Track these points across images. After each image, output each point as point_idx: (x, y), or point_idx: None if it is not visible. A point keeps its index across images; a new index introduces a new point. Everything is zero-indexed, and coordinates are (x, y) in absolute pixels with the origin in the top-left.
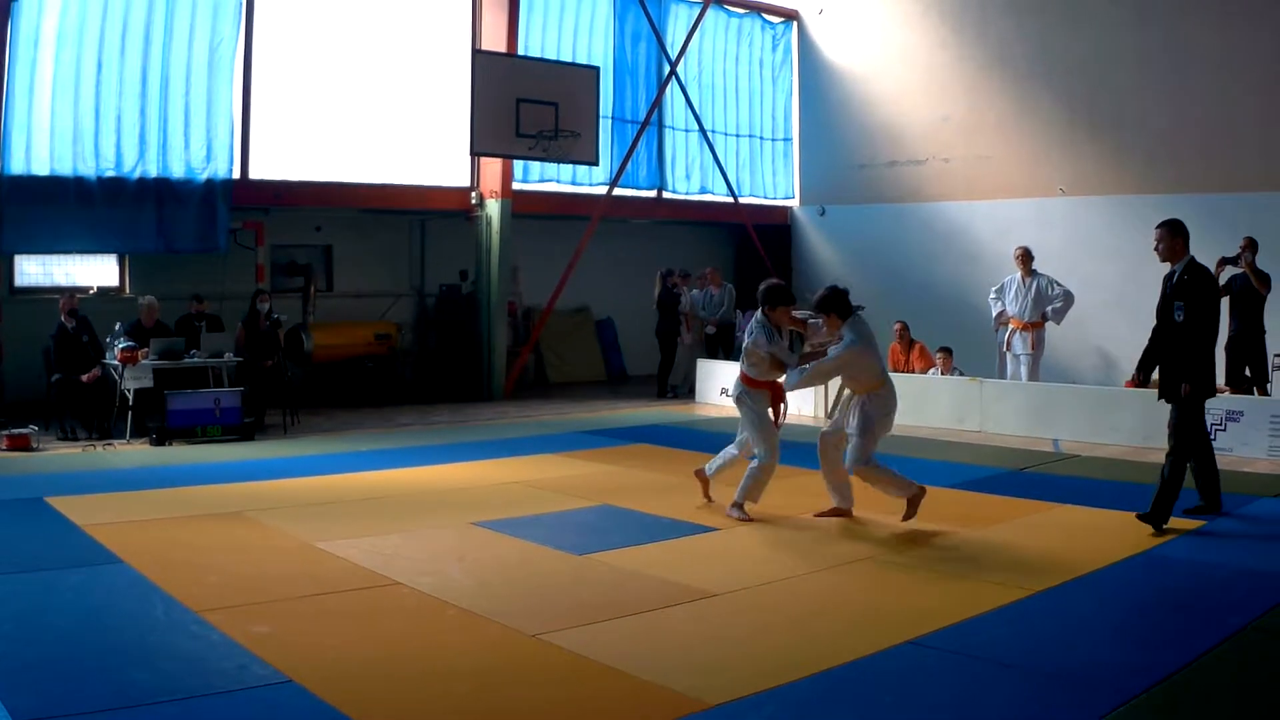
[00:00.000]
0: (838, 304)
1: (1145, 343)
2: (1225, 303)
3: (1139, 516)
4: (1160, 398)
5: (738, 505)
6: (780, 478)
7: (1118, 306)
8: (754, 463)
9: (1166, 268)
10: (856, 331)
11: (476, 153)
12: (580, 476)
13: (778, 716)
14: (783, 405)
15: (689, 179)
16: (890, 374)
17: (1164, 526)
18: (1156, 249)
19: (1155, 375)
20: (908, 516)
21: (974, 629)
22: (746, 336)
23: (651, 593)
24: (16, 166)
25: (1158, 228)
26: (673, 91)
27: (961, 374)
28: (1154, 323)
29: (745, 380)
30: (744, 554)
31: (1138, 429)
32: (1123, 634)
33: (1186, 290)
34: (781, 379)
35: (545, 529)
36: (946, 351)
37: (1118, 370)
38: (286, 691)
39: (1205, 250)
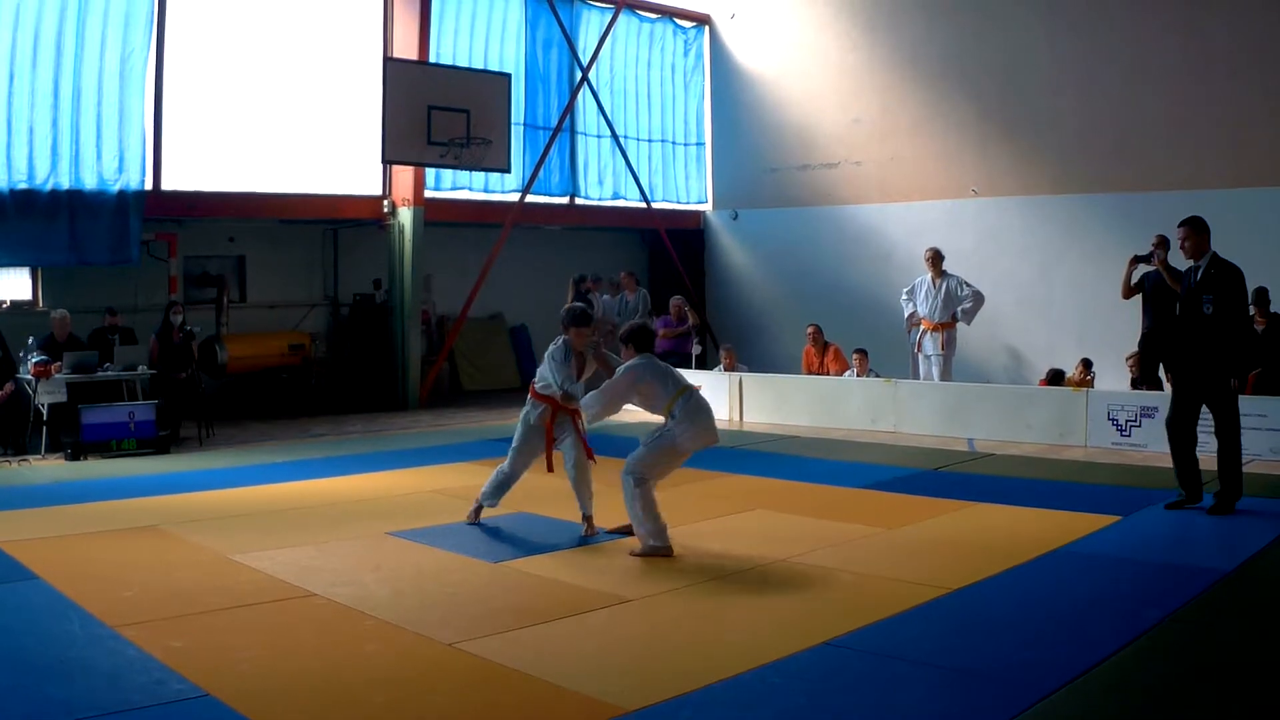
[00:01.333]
0: (639, 339)
1: (1063, 341)
2: (1138, 300)
3: (1209, 511)
4: (1177, 388)
5: (477, 505)
6: (694, 480)
7: (1030, 305)
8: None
9: (1080, 263)
10: (647, 359)
11: (388, 161)
12: None
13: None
14: (578, 422)
15: (602, 184)
16: (691, 398)
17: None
18: (1183, 247)
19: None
20: (635, 553)
21: (890, 629)
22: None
23: (567, 599)
24: None
25: (1181, 226)
26: (585, 97)
27: (877, 375)
28: (1076, 319)
29: (530, 391)
30: (658, 559)
31: (1051, 427)
32: (1039, 631)
33: (1215, 284)
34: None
35: (460, 537)
36: (862, 353)
37: (1030, 369)
38: (203, 705)
39: (1118, 249)
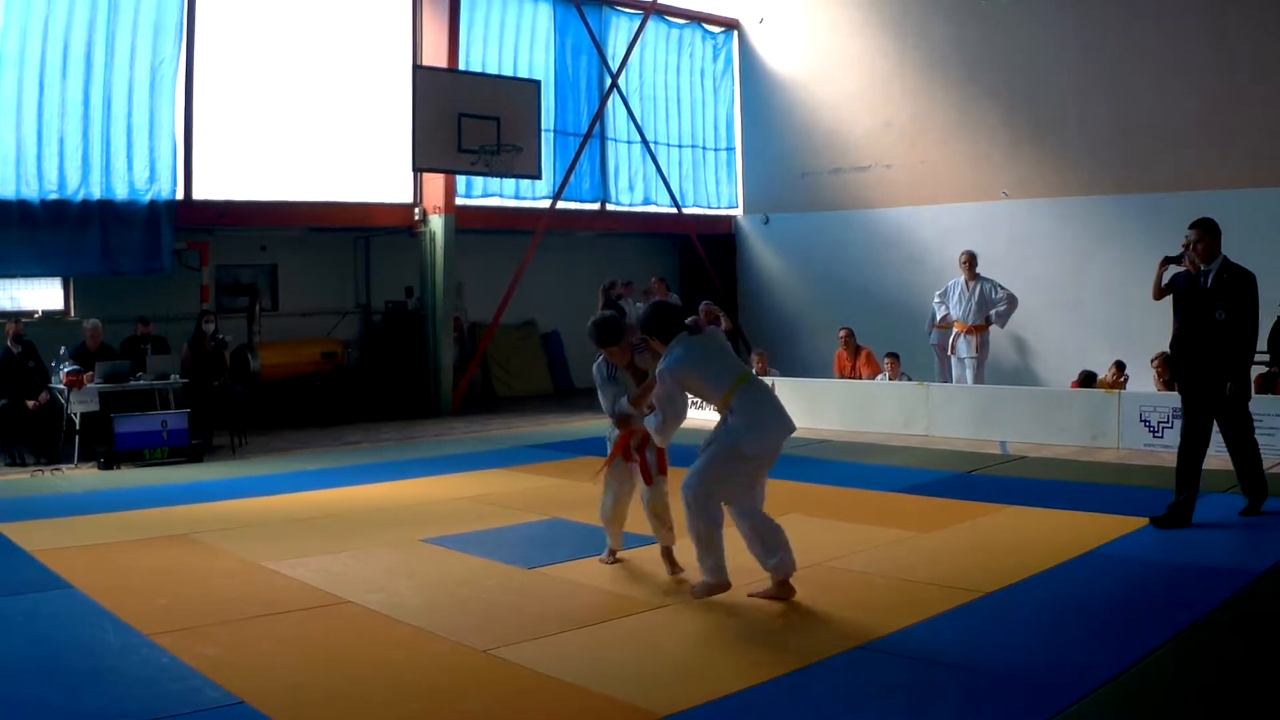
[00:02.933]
0: (657, 324)
1: (1095, 343)
2: (1169, 301)
3: (1241, 513)
4: (1185, 396)
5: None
6: None
7: (1061, 307)
8: None
9: (1111, 265)
10: (683, 346)
11: (419, 168)
12: (528, 490)
13: None
14: (647, 444)
15: (632, 190)
16: (755, 381)
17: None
18: (1195, 249)
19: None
20: (697, 592)
21: (924, 632)
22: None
23: (601, 605)
24: None
25: (1193, 228)
26: (614, 103)
27: (910, 379)
28: (1107, 321)
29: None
30: (692, 563)
31: (1084, 429)
32: (1071, 634)
33: (1228, 289)
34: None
35: (494, 544)
36: (894, 357)
37: (1063, 372)
38: (237, 713)
39: (1148, 250)
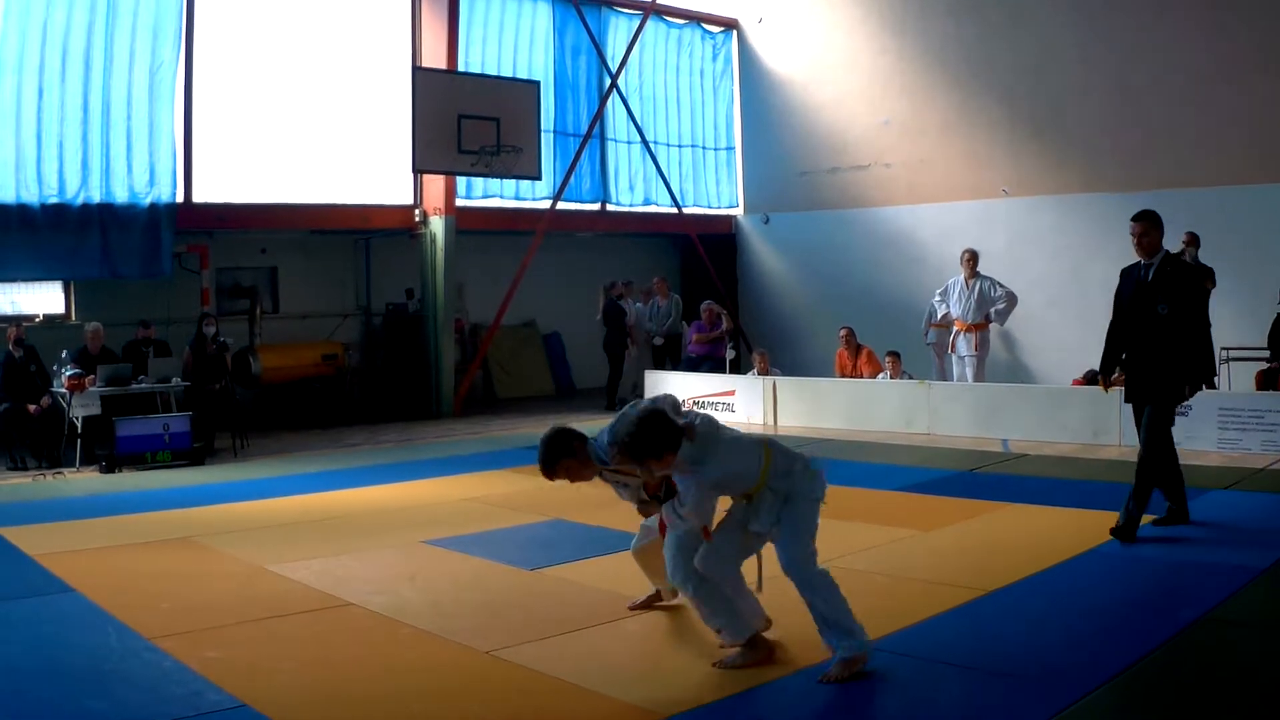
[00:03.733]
0: (659, 442)
1: (1096, 340)
2: None
3: (1112, 531)
4: (1130, 399)
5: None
6: None
7: (1063, 305)
8: None
9: (1112, 262)
10: (705, 453)
11: (419, 170)
12: (530, 491)
13: None
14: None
15: (632, 190)
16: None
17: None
18: (1140, 242)
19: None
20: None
21: (927, 631)
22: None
23: (603, 606)
24: None
25: (1138, 220)
26: (614, 104)
27: (911, 377)
28: (1108, 319)
29: None
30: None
31: (1086, 426)
32: (1076, 631)
33: (1170, 282)
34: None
35: (496, 545)
36: (895, 356)
37: (1064, 369)
38: (240, 716)
39: None
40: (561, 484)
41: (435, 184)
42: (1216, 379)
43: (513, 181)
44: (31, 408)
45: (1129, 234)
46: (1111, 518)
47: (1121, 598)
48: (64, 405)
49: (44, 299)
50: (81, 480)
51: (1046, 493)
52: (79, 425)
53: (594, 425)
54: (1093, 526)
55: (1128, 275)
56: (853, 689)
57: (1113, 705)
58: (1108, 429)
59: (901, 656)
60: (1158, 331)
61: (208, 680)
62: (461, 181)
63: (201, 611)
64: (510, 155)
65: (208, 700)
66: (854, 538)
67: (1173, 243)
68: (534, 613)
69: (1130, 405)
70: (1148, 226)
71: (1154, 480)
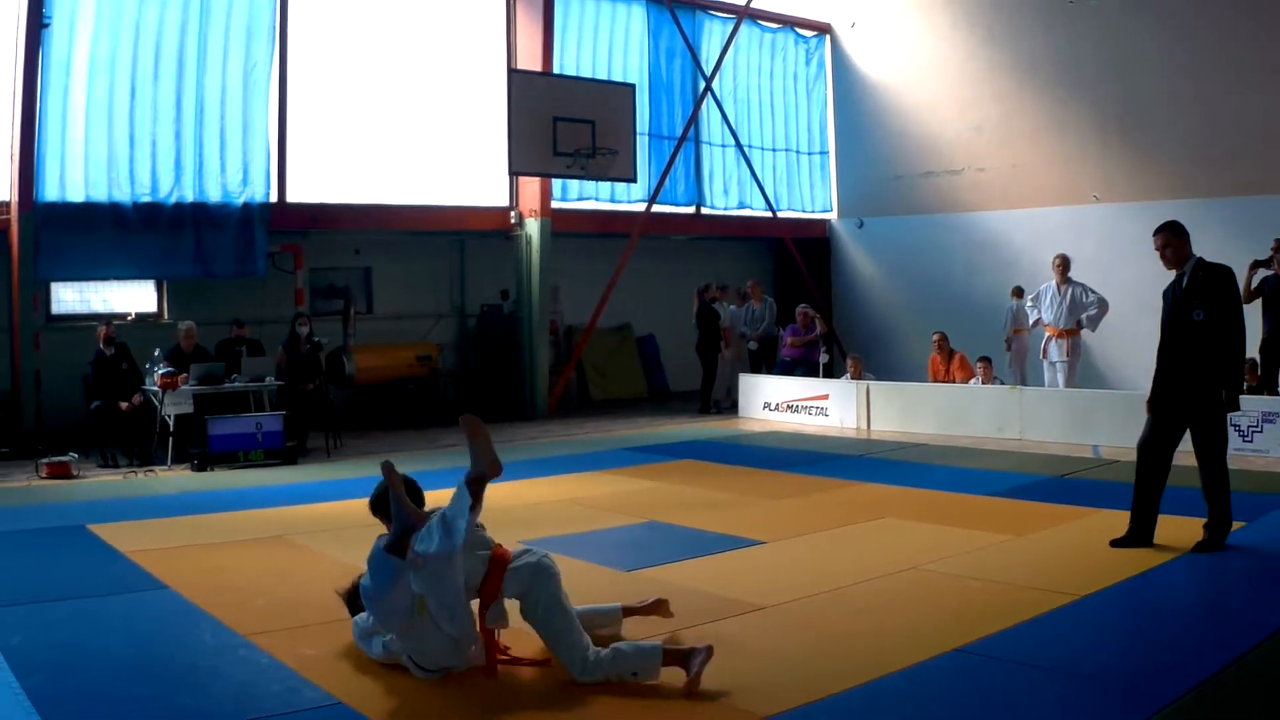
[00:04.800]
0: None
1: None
2: (1258, 304)
3: (1196, 547)
4: (1153, 410)
5: None
6: (823, 490)
7: (1153, 311)
8: None
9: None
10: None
11: (514, 172)
12: (625, 493)
13: None
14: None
15: (727, 194)
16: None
17: (1227, 536)
18: (1164, 255)
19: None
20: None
21: (1018, 635)
22: None
23: (699, 607)
24: (51, 194)
25: (1158, 233)
26: (708, 107)
27: (1002, 383)
28: (1163, 334)
29: None
30: (791, 566)
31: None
32: (1165, 636)
33: (1204, 288)
34: None
35: (592, 546)
36: (986, 361)
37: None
38: (336, 714)
39: (1238, 253)
40: (655, 487)
41: (531, 186)
42: (1246, 386)
43: (608, 184)
44: (123, 405)
45: (1213, 238)
46: (1202, 523)
47: (1211, 603)
48: (156, 403)
49: (137, 297)
50: (173, 478)
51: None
52: (171, 423)
53: (686, 428)
54: (1183, 532)
55: (1167, 294)
56: (944, 694)
57: (1200, 711)
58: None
59: (993, 660)
60: (1192, 338)
61: (303, 677)
62: (557, 183)
63: (296, 609)
64: (605, 158)
65: (304, 697)
66: (947, 543)
67: (1262, 249)
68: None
69: (1152, 416)
70: (1168, 237)
71: (1228, 493)
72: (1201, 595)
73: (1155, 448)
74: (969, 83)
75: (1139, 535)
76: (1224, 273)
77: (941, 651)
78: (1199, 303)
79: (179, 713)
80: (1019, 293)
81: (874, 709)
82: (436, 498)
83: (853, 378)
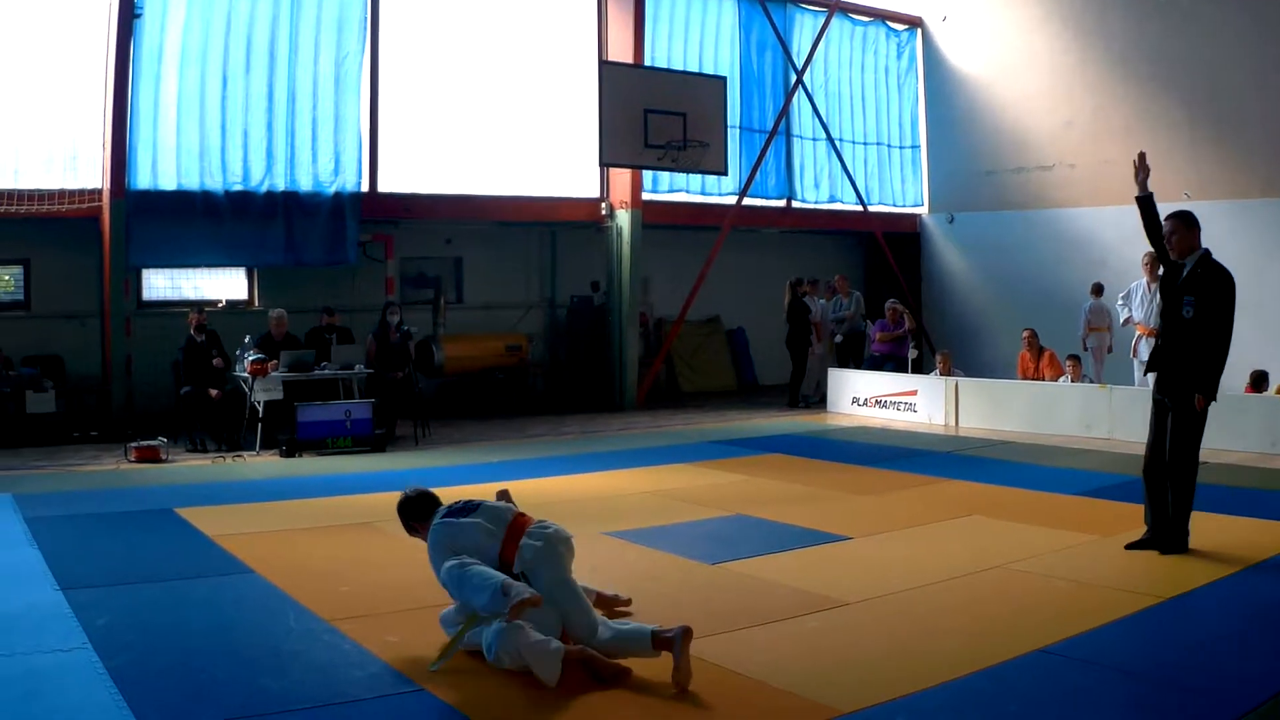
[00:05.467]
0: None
1: (1276, 347)
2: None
3: (1128, 546)
4: (1160, 396)
5: None
6: (910, 486)
7: (1244, 311)
8: None
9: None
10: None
11: (605, 163)
12: (712, 486)
13: None
14: None
15: (818, 188)
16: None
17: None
18: (1168, 242)
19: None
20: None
21: (1102, 637)
22: None
23: (784, 602)
24: (143, 182)
25: (1168, 219)
26: (799, 100)
27: (1091, 381)
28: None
29: None
30: (877, 563)
31: (1264, 435)
32: (1250, 641)
33: (1199, 285)
34: None
35: (677, 539)
36: (1075, 359)
37: (1243, 377)
38: (419, 700)
39: None
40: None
41: (622, 177)
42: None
43: (699, 176)
44: (213, 392)
45: None
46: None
47: None
48: (246, 389)
49: (228, 284)
50: (261, 464)
51: (1224, 501)
52: (260, 409)
53: (775, 422)
54: (1271, 536)
55: (1166, 281)
56: (1026, 694)
57: None
58: None
59: (1076, 662)
60: (1181, 333)
61: (386, 664)
62: (647, 175)
63: (381, 595)
64: (696, 150)
65: (387, 683)
66: (1034, 542)
67: None
68: (715, 607)
69: (1156, 398)
70: (1176, 224)
71: (1188, 507)
72: None
73: (1157, 449)
74: (1060, 77)
75: (1156, 538)
76: (1223, 276)
77: (1024, 652)
78: (1191, 300)
79: (261, 695)
80: (1098, 290)
81: (953, 709)
82: (523, 490)
83: (941, 374)
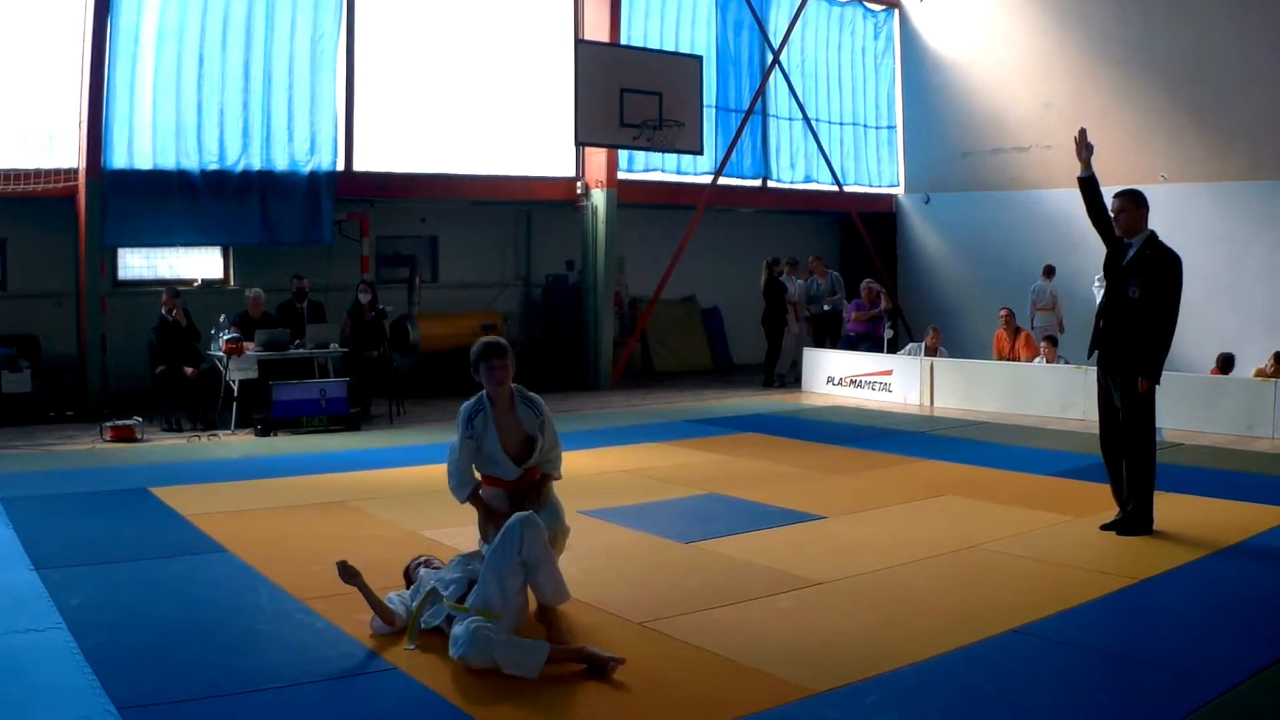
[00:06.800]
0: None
1: (1254, 330)
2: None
3: (1119, 532)
4: (1104, 375)
5: None
6: (884, 466)
7: (1221, 295)
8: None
9: (1270, 251)
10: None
11: (581, 143)
12: (687, 465)
13: (882, 704)
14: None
15: (793, 167)
16: None
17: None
18: (1116, 220)
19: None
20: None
21: (1076, 617)
22: None
23: (758, 581)
24: (119, 161)
25: (1117, 197)
26: (776, 80)
27: (1066, 362)
28: (1266, 308)
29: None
30: (850, 543)
31: (1240, 418)
32: (1224, 624)
33: (1147, 267)
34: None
35: (652, 517)
36: (1051, 340)
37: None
38: (392, 679)
39: None
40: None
41: (597, 157)
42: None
43: (674, 156)
44: (189, 371)
45: None
46: (1265, 510)
47: (1272, 591)
48: (221, 369)
49: (203, 264)
50: (236, 443)
51: (1199, 483)
52: (235, 389)
53: (750, 401)
54: (1245, 519)
55: (1111, 259)
56: (999, 674)
57: (1256, 700)
58: (1261, 421)
59: (1049, 642)
60: (1126, 314)
61: (359, 642)
62: (623, 155)
63: None
64: (672, 129)
65: (359, 662)
66: (1008, 522)
67: None
68: (688, 586)
69: (1097, 385)
70: (1125, 203)
71: (1149, 486)
72: (1262, 584)
73: (1109, 429)
74: (1038, 59)
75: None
76: (1172, 258)
77: (998, 632)
78: (1138, 281)
79: (234, 675)
80: (1049, 272)
81: (926, 688)
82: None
83: (929, 348)
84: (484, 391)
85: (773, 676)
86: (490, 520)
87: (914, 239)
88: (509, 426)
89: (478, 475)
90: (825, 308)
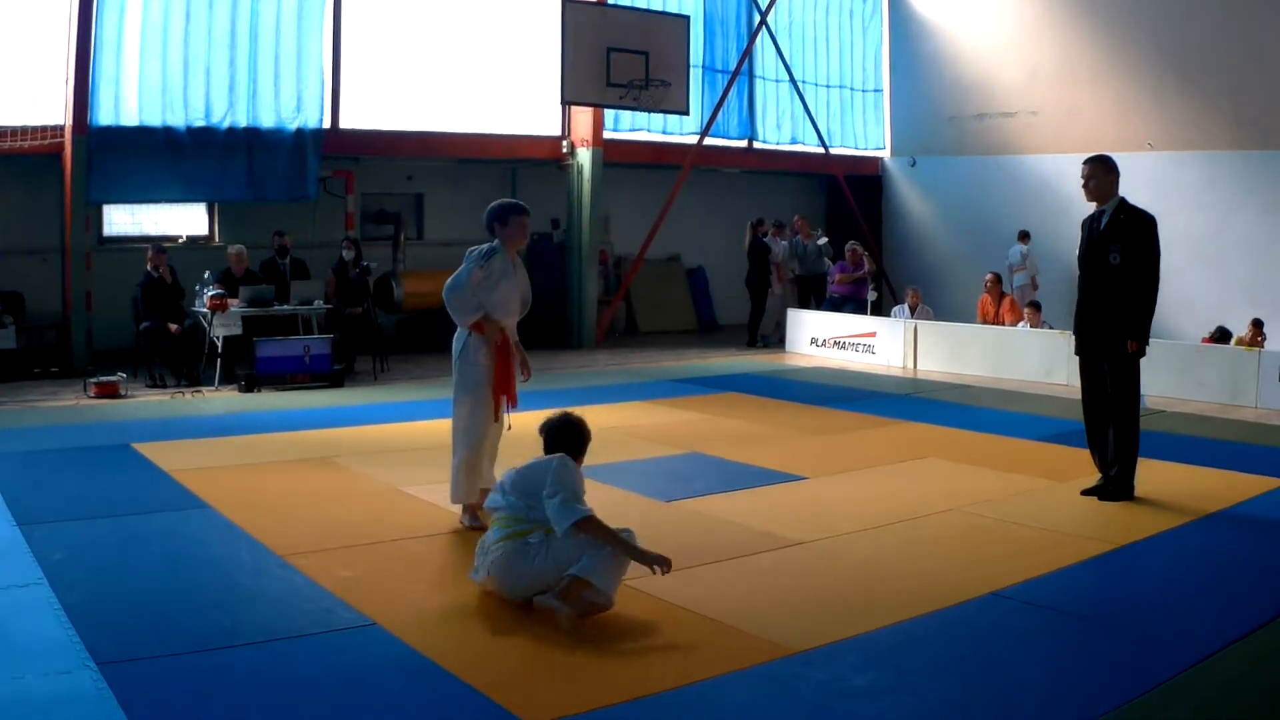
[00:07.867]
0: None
1: (1237, 298)
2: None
3: (1100, 497)
4: (1079, 351)
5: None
6: (868, 427)
7: (1205, 262)
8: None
9: (1255, 219)
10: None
11: (567, 102)
12: (669, 424)
13: (860, 664)
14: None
15: (780, 129)
16: None
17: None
18: (1087, 185)
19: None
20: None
21: (1056, 581)
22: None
23: (738, 540)
24: (105, 118)
25: (1086, 163)
26: (763, 41)
27: (1050, 328)
28: (1250, 277)
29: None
30: (831, 503)
31: (1223, 387)
32: (1203, 590)
33: (1123, 230)
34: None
35: (634, 476)
36: (1035, 306)
37: (1206, 326)
38: (370, 634)
39: None
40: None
41: (583, 116)
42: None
43: (660, 115)
44: (173, 327)
45: (1268, 190)
46: (1245, 479)
47: (1251, 558)
48: (204, 325)
49: (188, 220)
50: (220, 399)
51: (1181, 450)
52: (219, 345)
53: (733, 361)
54: (1226, 486)
55: (1086, 225)
56: (978, 636)
57: (1235, 666)
58: (1245, 390)
59: (1029, 606)
60: (1108, 281)
61: (338, 598)
62: (609, 114)
63: (335, 530)
64: (659, 89)
65: (338, 618)
66: (989, 486)
67: None
68: (668, 544)
69: (1079, 357)
70: (1095, 169)
71: (1134, 452)
72: (1241, 551)
73: (1092, 396)
74: (1027, 25)
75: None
76: (1146, 220)
77: (977, 595)
78: (1117, 247)
79: (214, 630)
80: (1025, 236)
81: (904, 649)
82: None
83: (910, 308)
84: (495, 243)
85: (753, 636)
86: (496, 334)
87: (899, 202)
88: (519, 278)
89: None
90: (821, 242)
